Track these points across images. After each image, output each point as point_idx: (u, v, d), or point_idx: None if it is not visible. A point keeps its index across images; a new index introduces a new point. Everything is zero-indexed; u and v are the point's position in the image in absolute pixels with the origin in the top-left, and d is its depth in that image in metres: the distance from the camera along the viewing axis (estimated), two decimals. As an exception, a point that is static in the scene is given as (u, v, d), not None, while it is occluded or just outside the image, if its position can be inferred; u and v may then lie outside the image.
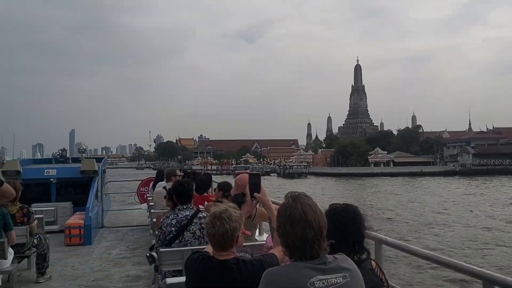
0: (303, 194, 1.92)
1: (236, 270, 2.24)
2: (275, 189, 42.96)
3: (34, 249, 5.66)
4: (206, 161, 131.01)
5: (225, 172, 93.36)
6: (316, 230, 1.77)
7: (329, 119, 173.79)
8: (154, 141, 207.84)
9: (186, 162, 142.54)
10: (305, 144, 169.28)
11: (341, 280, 1.75)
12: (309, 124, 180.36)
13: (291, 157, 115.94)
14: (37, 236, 5.76)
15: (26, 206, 5.64)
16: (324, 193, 43.74)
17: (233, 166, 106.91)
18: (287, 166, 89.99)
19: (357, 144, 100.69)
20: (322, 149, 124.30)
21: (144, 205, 9.65)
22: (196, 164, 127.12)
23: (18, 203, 5.52)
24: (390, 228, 21.15)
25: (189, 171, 8.20)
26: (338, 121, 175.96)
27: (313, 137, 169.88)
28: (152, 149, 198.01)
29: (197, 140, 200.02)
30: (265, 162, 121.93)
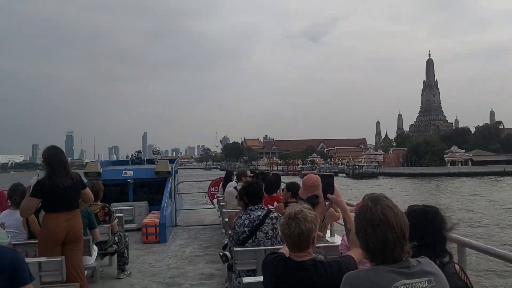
0: (382, 195, 1.84)
1: (313, 271, 2.21)
2: (345, 190, 41.93)
3: (115, 247, 5.99)
4: (272, 161, 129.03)
5: (291, 172, 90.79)
6: (398, 233, 1.68)
7: (400, 117, 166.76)
8: (221, 142, 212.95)
9: (252, 162, 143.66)
10: (373, 143, 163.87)
11: (426, 284, 1.66)
12: (378, 123, 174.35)
13: (360, 157, 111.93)
14: (118, 234, 6.09)
15: (107, 205, 6.00)
16: (398, 194, 41.72)
17: (299, 166, 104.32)
18: (357, 166, 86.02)
19: (431, 142, 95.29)
20: (394, 148, 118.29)
21: (215, 201, 9.87)
22: (261, 165, 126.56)
23: (99, 203, 5.89)
24: (474, 233, 19.66)
25: (258, 171, 8.29)
26: (409, 119, 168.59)
27: (383, 136, 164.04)
28: (219, 150, 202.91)
29: (262, 140, 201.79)
30: (332, 162, 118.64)
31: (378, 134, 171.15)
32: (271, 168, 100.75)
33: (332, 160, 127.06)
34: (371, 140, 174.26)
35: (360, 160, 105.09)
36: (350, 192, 38.58)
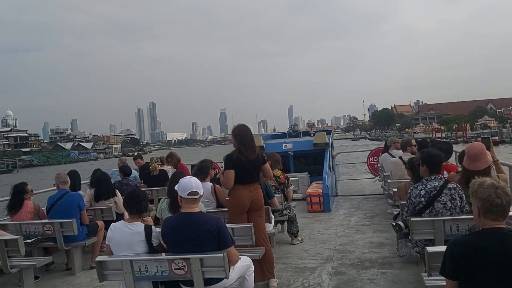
0: None
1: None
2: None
3: (288, 211, 6.47)
4: (433, 127, 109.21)
5: (462, 139, 71.02)
6: None
7: None
8: (368, 110, 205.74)
9: (406, 130, 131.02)
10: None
11: None
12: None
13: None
14: (287, 203, 6.57)
15: (284, 172, 6.55)
16: None
17: (474, 132, 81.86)
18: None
19: None
20: None
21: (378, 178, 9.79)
22: (418, 132, 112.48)
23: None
24: None
25: (427, 139, 7.91)
26: None
27: None
28: (367, 118, 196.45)
29: (414, 105, 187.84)
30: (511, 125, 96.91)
31: None
32: (433, 136, 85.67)
33: (510, 122, 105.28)
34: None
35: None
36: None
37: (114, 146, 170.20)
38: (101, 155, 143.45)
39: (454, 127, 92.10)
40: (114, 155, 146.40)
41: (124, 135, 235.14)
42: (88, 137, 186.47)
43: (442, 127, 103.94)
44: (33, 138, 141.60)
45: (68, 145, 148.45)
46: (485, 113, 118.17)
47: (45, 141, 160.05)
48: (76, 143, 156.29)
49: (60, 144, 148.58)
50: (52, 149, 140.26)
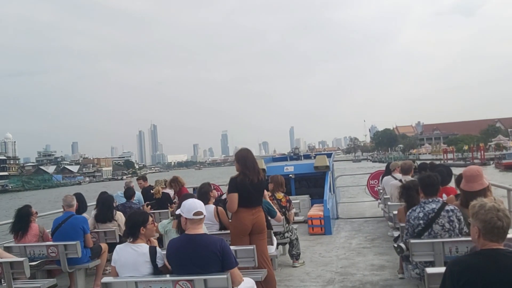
0: None
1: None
2: None
3: (290, 234, 6.52)
4: (442, 148, 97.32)
5: (478, 161, 63.04)
6: None
7: None
8: (369, 131, 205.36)
9: (411, 151, 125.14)
10: None
11: None
12: None
13: None
14: (288, 226, 6.63)
15: (286, 195, 6.64)
16: None
17: (498, 152, 71.39)
18: None
19: None
20: None
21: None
22: (424, 153, 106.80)
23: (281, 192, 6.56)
24: None
25: (421, 163, 7.98)
26: None
27: None
28: (368, 139, 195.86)
29: (415, 126, 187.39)
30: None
31: None
32: (445, 157, 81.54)
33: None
34: None
35: None
36: None
37: (104, 169, 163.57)
38: (87, 179, 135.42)
39: (466, 148, 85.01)
40: (102, 178, 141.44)
41: (120, 157, 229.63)
42: (79, 160, 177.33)
43: (452, 148, 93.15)
44: (11, 161, 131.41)
45: (51, 169, 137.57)
46: (498, 132, 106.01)
47: (28, 163, 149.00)
48: (62, 166, 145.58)
49: (42, 167, 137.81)
50: (33, 173, 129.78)
